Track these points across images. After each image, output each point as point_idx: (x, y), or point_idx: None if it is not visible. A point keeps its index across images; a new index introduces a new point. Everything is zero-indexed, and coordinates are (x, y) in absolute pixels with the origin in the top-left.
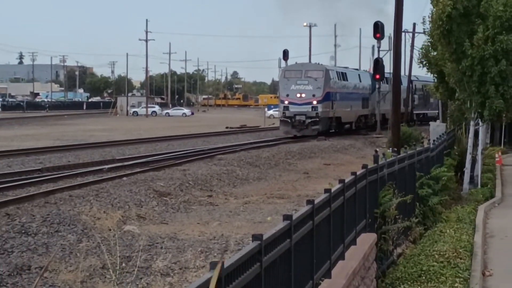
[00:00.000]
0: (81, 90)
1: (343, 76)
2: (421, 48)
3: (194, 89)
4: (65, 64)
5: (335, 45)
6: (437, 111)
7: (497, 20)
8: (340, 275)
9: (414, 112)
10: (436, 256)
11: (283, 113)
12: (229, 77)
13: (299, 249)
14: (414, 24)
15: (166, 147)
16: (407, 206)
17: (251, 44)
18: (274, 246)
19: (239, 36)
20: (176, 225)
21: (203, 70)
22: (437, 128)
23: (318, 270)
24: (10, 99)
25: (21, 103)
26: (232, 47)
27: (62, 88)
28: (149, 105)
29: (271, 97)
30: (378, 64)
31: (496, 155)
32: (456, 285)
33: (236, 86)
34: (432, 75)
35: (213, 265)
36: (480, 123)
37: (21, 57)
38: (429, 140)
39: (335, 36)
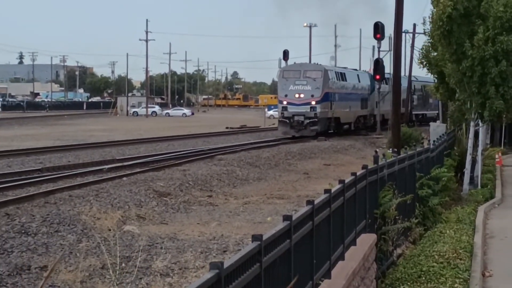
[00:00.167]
0: (81, 90)
1: (342, 76)
2: (422, 49)
3: (194, 89)
4: (65, 64)
5: (335, 46)
6: (436, 112)
7: (498, 21)
8: (340, 276)
9: (413, 112)
10: (436, 256)
11: (282, 113)
12: (229, 77)
13: (299, 249)
14: (415, 25)
15: (166, 147)
16: (407, 206)
17: (251, 44)
18: (274, 246)
19: (239, 37)
20: (176, 225)
21: (203, 70)
22: (437, 129)
23: (318, 270)
24: (10, 99)
25: (21, 103)
26: (232, 47)
27: (62, 88)
28: (149, 105)
29: (271, 98)
30: (378, 64)
31: (496, 156)
32: (456, 285)
33: (236, 86)
34: (432, 75)
35: (213, 266)
36: (480, 124)
37: (21, 57)
38: (429, 140)
39: (335, 37)
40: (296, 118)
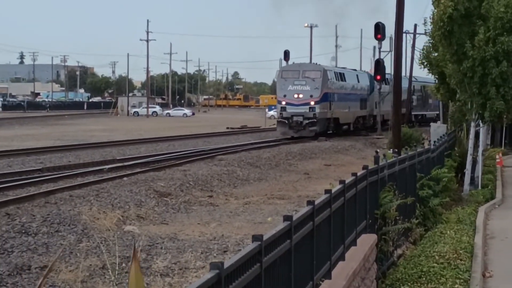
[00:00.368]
0: (81, 90)
1: (341, 76)
2: (422, 49)
3: (195, 89)
4: (66, 64)
5: (336, 46)
6: (436, 112)
7: (498, 21)
8: (340, 276)
9: (413, 113)
10: (437, 257)
11: (280, 113)
12: (230, 78)
13: (299, 249)
14: (415, 25)
15: (167, 148)
16: (408, 207)
17: (252, 44)
18: (274, 246)
19: (240, 37)
20: (176, 225)
21: (204, 70)
22: (437, 129)
23: (318, 270)
24: (11, 99)
25: (22, 103)
26: (233, 47)
27: (63, 88)
28: (150, 105)
29: (272, 98)
30: (379, 65)
31: (497, 157)
32: (456, 286)
33: (237, 86)
34: (433, 76)
35: (213, 266)
36: (481, 124)
37: (22, 57)
38: (429, 141)
39: (336, 37)
40: (295, 118)
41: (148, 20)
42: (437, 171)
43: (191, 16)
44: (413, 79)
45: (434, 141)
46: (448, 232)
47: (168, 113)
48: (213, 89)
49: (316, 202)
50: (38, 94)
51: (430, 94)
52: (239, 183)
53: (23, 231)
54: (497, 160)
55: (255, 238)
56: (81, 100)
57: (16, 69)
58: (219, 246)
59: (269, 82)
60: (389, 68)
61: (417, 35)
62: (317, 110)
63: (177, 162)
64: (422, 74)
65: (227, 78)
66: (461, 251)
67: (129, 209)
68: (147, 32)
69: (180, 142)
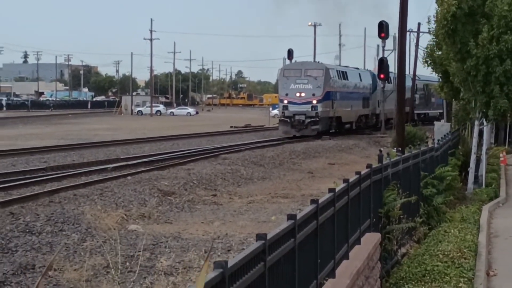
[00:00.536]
0: (85, 89)
1: (343, 75)
2: (426, 48)
3: (198, 88)
4: (70, 63)
5: (339, 45)
6: (439, 111)
7: (502, 20)
8: (344, 275)
9: (415, 112)
10: (441, 256)
11: (283, 112)
12: (233, 77)
13: (303, 248)
14: (419, 24)
15: (171, 147)
16: (411, 205)
17: (256, 43)
18: (278, 245)
19: (244, 36)
20: (180, 224)
21: (208, 69)
22: (441, 128)
23: (322, 269)
24: (15, 98)
25: (26, 102)
26: (236, 46)
27: (67, 87)
28: (153, 104)
29: (275, 97)
30: (382, 63)
31: (501, 155)
32: (460, 285)
33: (240, 85)
34: (436, 74)
35: (217, 265)
36: (485, 123)
37: (25, 56)
38: (433, 139)
39: (340, 36)
40: (297, 117)
41: (151, 19)
42: (441, 169)
43: (194, 15)
44: (415, 77)
45: (438, 140)
46: (452, 230)
47: (172, 112)
48: (216, 88)
49: (320, 201)
50: (42, 93)
51: (433, 93)
52: (243, 182)
53: (27, 230)
54: (501, 159)
55: (259, 237)
56: (85, 99)
57: (20, 68)
58: (223, 245)
59: (273, 81)
60: (392, 67)
61: (420, 34)
62: (319, 109)
63: (181, 161)
64: (425, 72)
65: (230, 77)
66: (465, 250)
67: (133, 208)
68: (151, 31)
69: (184, 141)
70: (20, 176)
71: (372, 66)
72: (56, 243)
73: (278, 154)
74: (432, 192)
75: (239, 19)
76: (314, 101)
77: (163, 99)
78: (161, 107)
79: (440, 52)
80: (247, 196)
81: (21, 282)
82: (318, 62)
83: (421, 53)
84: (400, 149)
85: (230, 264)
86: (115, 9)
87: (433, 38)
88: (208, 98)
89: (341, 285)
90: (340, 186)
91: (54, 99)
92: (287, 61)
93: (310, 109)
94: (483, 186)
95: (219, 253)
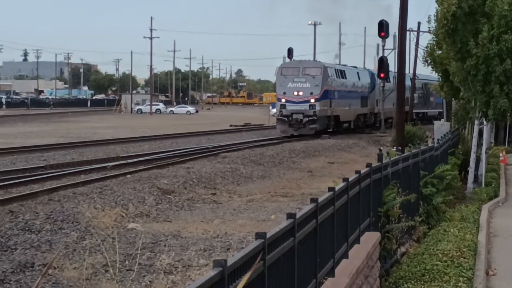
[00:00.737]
0: (85, 88)
1: (341, 74)
2: (426, 47)
3: (198, 87)
4: (70, 61)
5: (339, 43)
6: (438, 110)
7: (502, 19)
8: (343, 274)
9: (414, 111)
10: (440, 255)
11: (280, 111)
12: (233, 75)
13: (303, 247)
14: (419, 23)
15: (170, 145)
16: (411, 205)
17: (256, 42)
18: (277, 244)
19: (244, 34)
20: (179, 223)
21: (208, 68)
22: (441, 127)
23: (322, 268)
24: (15, 96)
25: (26, 100)
26: (236, 45)
27: (67, 86)
28: (153, 103)
29: (275, 95)
30: (382, 62)
31: (501, 155)
32: (459, 284)
33: (240, 84)
34: (436, 74)
35: (216, 263)
36: (485, 122)
37: (25, 54)
38: (433, 139)
39: (340, 35)
40: (294, 116)
41: (151, 18)
42: (440, 169)
43: (194, 13)
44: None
45: (438, 139)
46: (452, 230)
47: (172, 110)
48: (216, 86)
49: (319, 200)
50: (41, 91)
51: (431, 92)
52: (242, 181)
53: (27, 228)
54: (501, 158)
55: (258, 235)
56: (84, 97)
57: (19, 66)
58: (222, 243)
59: (273, 80)
60: (392, 66)
61: (421, 33)
62: (317, 108)
63: (180, 160)
64: (423, 72)
65: (230, 75)
66: (464, 249)
67: (133, 207)
68: (151, 30)
69: (184, 140)
70: (20, 174)
71: (372, 65)
72: (56, 241)
73: (278, 153)
74: (432, 191)
75: (239, 18)
76: (312, 100)
77: (163, 98)
78: (161, 106)
79: (440, 52)
80: (246, 195)
81: (20, 280)
82: (317, 60)
83: (421, 52)
84: (400, 148)
85: (229, 262)
86: (115, 8)
87: (433, 38)
88: (208, 96)
89: (341, 284)
90: (340, 185)
91: (54, 97)
92: (287, 60)
93: (308, 108)
94: (483, 185)
95: (218, 252)
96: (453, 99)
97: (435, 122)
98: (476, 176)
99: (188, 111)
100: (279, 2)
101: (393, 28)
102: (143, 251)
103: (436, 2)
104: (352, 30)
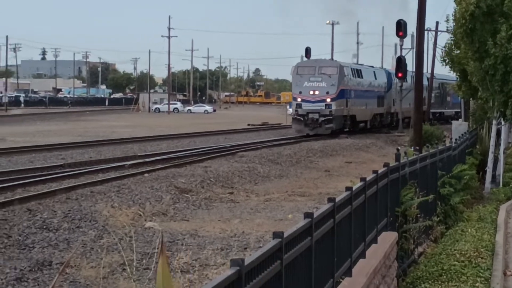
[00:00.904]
0: (103, 86)
1: (358, 73)
2: (444, 47)
3: (216, 86)
4: (88, 60)
5: (357, 43)
6: (455, 110)
7: None
8: (360, 274)
9: (431, 111)
10: (457, 255)
11: (296, 110)
12: (251, 74)
13: (320, 247)
14: (437, 23)
15: (188, 144)
16: (429, 205)
17: (274, 41)
18: (295, 244)
19: (261, 33)
20: (197, 222)
21: (225, 67)
22: (459, 127)
23: (339, 268)
24: (33, 95)
25: (44, 99)
26: (254, 44)
27: (85, 84)
28: (171, 102)
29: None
30: (400, 62)
31: None
32: (477, 284)
33: (258, 83)
34: (454, 73)
35: (233, 263)
36: (503, 122)
37: (44, 53)
38: (451, 139)
39: (357, 34)
40: (310, 115)
41: (169, 17)
42: (458, 169)
43: (212, 12)
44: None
45: (456, 139)
46: (469, 230)
47: (189, 109)
48: (234, 85)
49: (337, 200)
50: (60, 90)
51: (448, 92)
52: (259, 180)
53: (44, 226)
54: None
55: (276, 235)
56: (102, 96)
57: (38, 65)
58: (239, 243)
59: (291, 79)
60: (410, 66)
61: (439, 33)
62: (333, 107)
63: (198, 159)
64: (440, 71)
65: (248, 74)
66: (482, 249)
67: (150, 205)
68: (169, 29)
69: (201, 139)
70: (38, 173)
71: (390, 65)
72: (73, 239)
73: (295, 152)
74: (450, 191)
75: (257, 17)
76: (328, 99)
77: (181, 97)
78: (179, 105)
79: (458, 51)
80: (264, 194)
81: (38, 278)
82: (333, 59)
83: (439, 52)
84: (418, 148)
85: (246, 262)
86: (133, 6)
87: (451, 37)
88: (226, 95)
89: (358, 284)
90: (357, 184)
91: (72, 96)
92: (305, 59)
93: (324, 108)
94: (501, 185)
95: (235, 251)
96: (471, 98)
97: (453, 122)
98: (494, 176)
99: (206, 110)
100: (295, 1)
101: (411, 27)
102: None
103: (454, 1)
104: (370, 29)
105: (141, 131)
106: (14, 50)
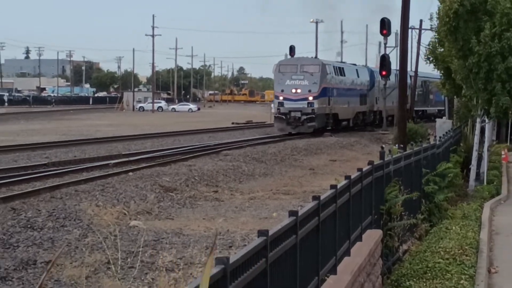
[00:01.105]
0: (87, 85)
1: (340, 71)
2: (428, 45)
3: (200, 84)
4: (72, 59)
5: (341, 41)
6: (437, 108)
7: (504, 17)
8: (345, 271)
9: (413, 108)
10: (442, 253)
11: (278, 109)
12: (235, 73)
13: (305, 245)
14: (421, 21)
15: (172, 143)
16: (413, 202)
17: (257, 39)
18: (280, 242)
19: (245, 32)
20: (181, 220)
21: (210, 65)
22: (443, 125)
23: (324, 266)
24: (17, 94)
25: (28, 98)
26: (238, 42)
27: (69, 83)
28: (155, 101)
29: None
30: (384, 60)
31: (502, 152)
32: (461, 282)
33: (242, 81)
34: (438, 71)
35: (218, 261)
36: (486, 120)
37: (27, 52)
38: (435, 136)
39: (342, 32)
40: (292, 114)
41: (153, 15)
42: (442, 166)
43: (196, 11)
44: (412, 74)
45: (440, 137)
46: (454, 227)
47: (174, 108)
48: (218, 84)
49: (321, 198)
50: (43, 89)
51: (431, 90)
52: (244, 178)
53: (29, 225)
54: (503, 156)
55: (261, 233)
56: (86, 95)
57: (21, 64)
58: (224, 241)
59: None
60: (394, 64)
61: (423, 31)
62: (316, 106)
63: (182, 157)
64: (423, 69)
65: (232, 73)
66: (466, 247)
67: (134, 204)
68: (153, 27)
69: (186, 137)
70: (22, 172)
71: (374, 63)
72: (58, 238)
73: (280, 151)
74: (434, 189)
75: (241, 15)
76: (310, 98)
77: (165, 95)
78: (163, 103)
79: (442, 49)
80: (248, 193)
81: (22, 277)
82: (315, 57)
83: (423, 50)
84: (402, 145)
85: (231, 260)
86: (117, 5)
87: (435, 35)
88: (210, 94)
89: (343, 281)
90: (342, 182)
91: (56, 95)
92: (289, 57)
93: (306, 106)
94: (485, 183)
95: (220, 249)
96: (455, 96)
97: (437, 120)
98: (478, 174)
99: (190, 108)
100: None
101: (395, 26)
102: (145, 248)
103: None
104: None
105: (125, 130)
106: None
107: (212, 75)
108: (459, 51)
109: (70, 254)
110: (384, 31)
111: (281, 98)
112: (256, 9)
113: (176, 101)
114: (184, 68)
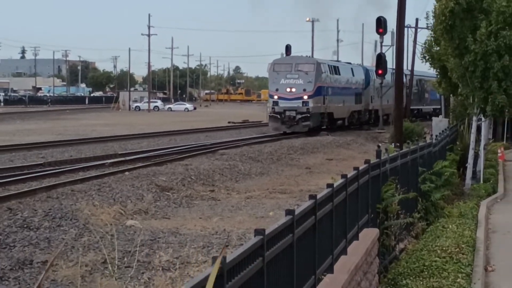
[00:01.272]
0: (83, 85)
1: (335, 70)
2: (424, 43)
3: (196, 84)
4: (68, 58)
5: (337, 40)
6: (433, 107)
7: (500, 16)
8: (342, 270)
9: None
10: (439, 251)
11: (272, 108)
12: (231, 72)
13: (302, 244)
14: (417, 20)
15: (169, 142)
16: (409, 201)
17: (253, 39)
18: (276, 241)
19: (242, 31)
20: (178, 220)
21: (206, 65)
22: (439, 124)
23: (321, 265)
24: (12, 94)
25: (23, 98)
26: (234, 42)
27: (65, 83)
28: (151, 100)
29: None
30: (381, 59)
31: (499, 151)
32: (458, 280)
33: (238, 81)
34: (434, 70)
35: (215, 260)
36: (483, 119)
37: (23, 51)
38: (431, 135)
39: (338, 31)
40: (287, 113)
41: (149, 15)
42: (439, 165)
43: (192, 10)
44: (408, 72)
45: (436, 135)
46: (450, 226)
47: (170, 107)
48: (214, 83)
49: (318, 196)
50: (39, 88)
51: (426, 88)
52: (241, 178)
53: (25, 225)
54: (499, 154)
55: (257, 232)
56: (82, 94)
57: (17, 63)
58: (221, 240)
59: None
60: (391, 63)
61: (419, 29)
62: (311, 105)
63: (178, 157)
64: (419, 68)
65: (228, 72)
66: (463, 245)
67: (131, 204)
68: (149, 27)
69: (182, 137)
70: (18, 172)
71: (370, 62)
72: (54, 238)
73: (276, 150)
74: (430, 188)
75: (237, 15)
76: (305, 97)
77: (161, 95)
78: (159, 103)
79: (438, 48)
80: (245, 192)
81: (19, 277)
82: (310, 56)
83: (419, 49)
84: (398, 144)
85: (228, 259)
86: (113, 5)
87: (431, 34)
88: (206, 93)
89: (339, 280)
90: (338, 181)
91: (52, 94)
92: (284, 56)
93: (301, 105)
94: (481, 181)
95: (217, 249)
96: (451, 95)
97: (433, 118)
98: (474, 172)
99: (186, 108)
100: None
101: (391, 25)
102: (142, 248)
103: None
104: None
105: (121, 130)
106: None
107: (208, 75)
108: (455, 50)
109: (67, 253)
110: (380, 30)
111: (275, 97)
112: (252, 8)
113: (172, 100)
114: (180, 67)
